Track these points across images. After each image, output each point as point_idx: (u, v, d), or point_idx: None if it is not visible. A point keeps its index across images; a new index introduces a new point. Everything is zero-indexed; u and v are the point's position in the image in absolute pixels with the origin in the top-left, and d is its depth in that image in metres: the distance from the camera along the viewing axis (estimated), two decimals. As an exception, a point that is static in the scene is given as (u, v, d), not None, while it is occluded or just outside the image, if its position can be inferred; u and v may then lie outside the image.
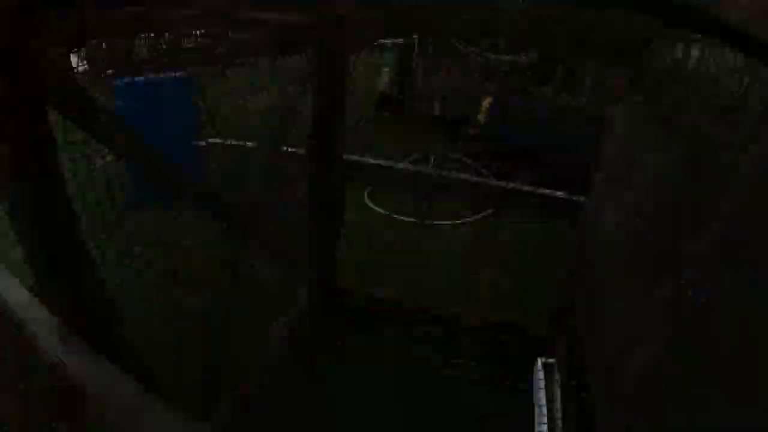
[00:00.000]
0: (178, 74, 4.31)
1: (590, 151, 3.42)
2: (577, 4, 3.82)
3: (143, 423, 1.00)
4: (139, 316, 1.76)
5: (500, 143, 5.61)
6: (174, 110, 3.91)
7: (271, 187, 2.39)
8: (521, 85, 6.05)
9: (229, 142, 3.90)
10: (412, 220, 4.59)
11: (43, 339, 1.15)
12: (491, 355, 2.85)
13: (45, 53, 1.09)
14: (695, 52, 1.74)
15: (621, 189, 1.88)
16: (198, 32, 2.45)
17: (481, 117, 5.93)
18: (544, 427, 2.16)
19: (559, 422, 2.18)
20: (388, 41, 6.72)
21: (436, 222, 4.59)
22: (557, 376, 2.38)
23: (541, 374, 2.41)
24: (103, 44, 3.00)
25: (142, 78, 4.23)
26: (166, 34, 2.36)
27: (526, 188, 2.45)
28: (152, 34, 2.37)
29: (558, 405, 2.28)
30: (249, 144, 3.14)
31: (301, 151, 2.55)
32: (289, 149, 2.51)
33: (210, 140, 4.17)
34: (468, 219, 4.70)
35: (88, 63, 3.15)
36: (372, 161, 2.83)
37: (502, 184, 2.47)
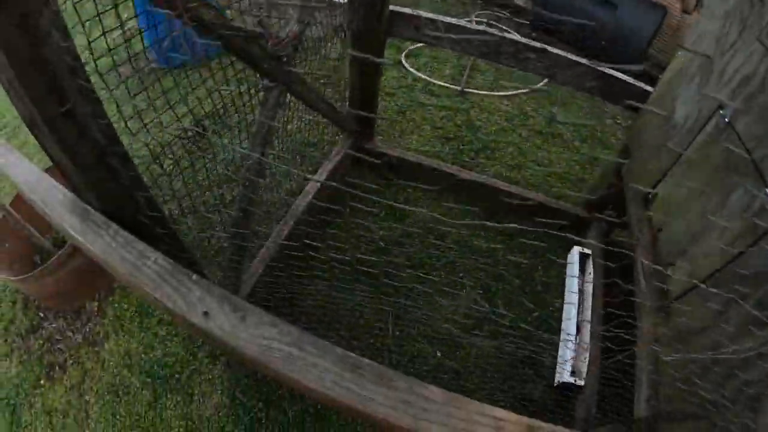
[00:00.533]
0: None
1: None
2: None
3: (174, 297, 1.00)
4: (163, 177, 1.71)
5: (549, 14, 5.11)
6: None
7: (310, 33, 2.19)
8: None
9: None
10: (452, 86, 4.36)
11: (59, 216, 1.12)
12: (526, 233, 2.73)
13: None
14: None
15: (703, 73, 1.67)
16: None
17: None
18: (573, 316, 2.11)
19: (588, 314, 2.11)
20: None
21: (477, 90, 4.36)
22: (592, 267, 2.27)
23: (576, 261, 2.32)
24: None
25: None
26: None
27: (584, 62, 2.19)
28: None
29: (589, 297, 2.18)
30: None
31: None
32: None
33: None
34: (521, 91, 4.39)
35: None
36: (422, 14, 2.52)
37: (557, 52, 2.24)
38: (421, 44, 4.87)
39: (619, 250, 1.74)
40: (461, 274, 2.78)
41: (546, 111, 4.31)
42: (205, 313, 0.98)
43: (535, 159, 3.72)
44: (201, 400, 2.39)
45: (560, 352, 2.19)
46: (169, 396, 2.40)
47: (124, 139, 1.16)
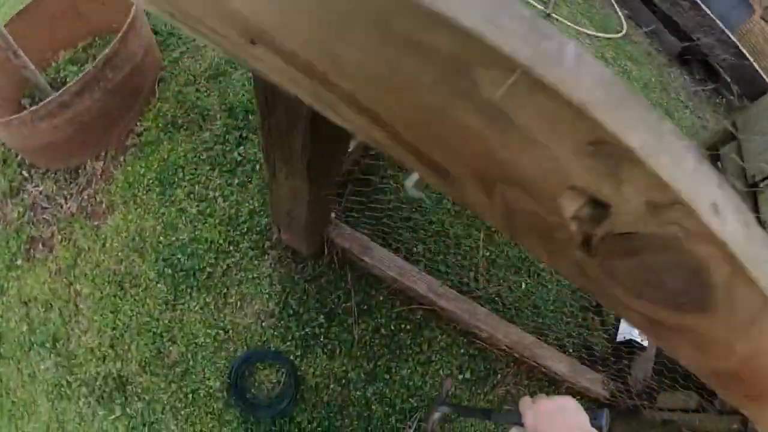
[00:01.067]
0: None
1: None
2: None
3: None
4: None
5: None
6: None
7: None
8: None
9: None
10: (538, 6, 3.74)
11: None
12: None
13: None
14: None
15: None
16: None
17: None
18: None
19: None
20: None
21: (563, 19, 3.84)
22: None
23: None
24: None
25: None
26: None
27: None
28: None
29: None
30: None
31: None
32: None
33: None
34: (601, 34, 3.92)
35: None
36: None
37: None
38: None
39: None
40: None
41: (623, 63, 3.78)
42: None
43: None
44: (239, 305, 1.74)
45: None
46: (193, 294, 1.74)
47: None
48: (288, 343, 1.72)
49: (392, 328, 1.86)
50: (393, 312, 1.87)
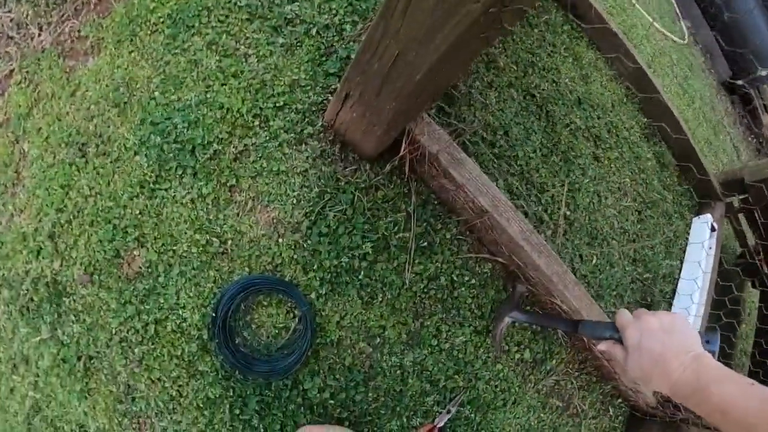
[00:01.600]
0: None
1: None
2: None
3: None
4: None
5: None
6: None
7: None
8: None
9: None
10: None
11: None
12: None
13: None
14: None
15: None
16: None
17: None
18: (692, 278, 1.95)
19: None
20: None
21: None
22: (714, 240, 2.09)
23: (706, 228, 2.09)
24: None
25: None
26: None
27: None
28: None
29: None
30: None
31: None
32: None
33: None
34: (664, 31, 3.53)
35: None
36: None
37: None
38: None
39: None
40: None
41: (684, 70, 3.42)
42: None
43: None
44: (249, 206, 1.16)
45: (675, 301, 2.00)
46: (185, 180, 1.16)
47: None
48: (311, 275, 1.13)
49: (453, 279, 1.26)
50: (458, 258, 1.28)
